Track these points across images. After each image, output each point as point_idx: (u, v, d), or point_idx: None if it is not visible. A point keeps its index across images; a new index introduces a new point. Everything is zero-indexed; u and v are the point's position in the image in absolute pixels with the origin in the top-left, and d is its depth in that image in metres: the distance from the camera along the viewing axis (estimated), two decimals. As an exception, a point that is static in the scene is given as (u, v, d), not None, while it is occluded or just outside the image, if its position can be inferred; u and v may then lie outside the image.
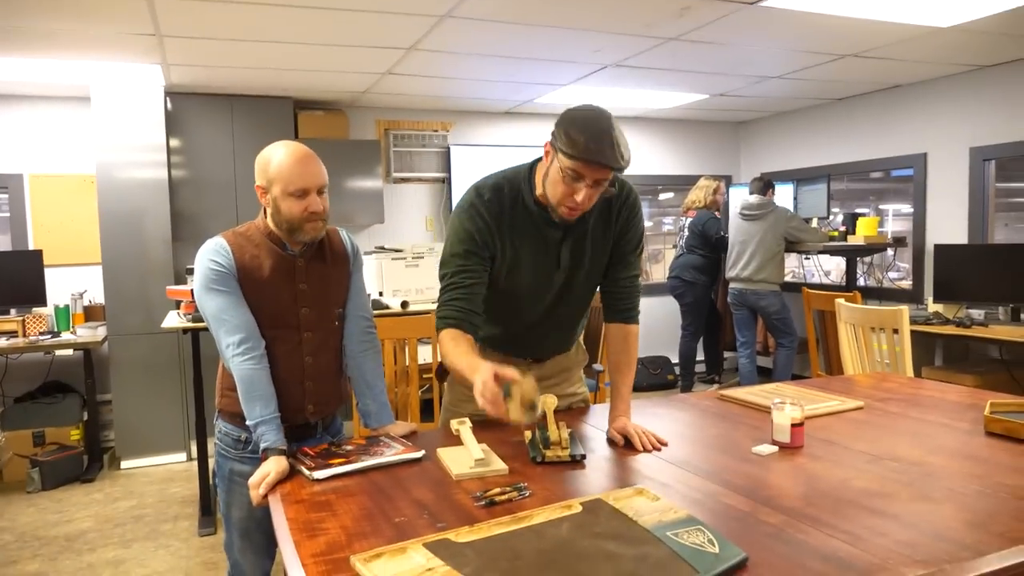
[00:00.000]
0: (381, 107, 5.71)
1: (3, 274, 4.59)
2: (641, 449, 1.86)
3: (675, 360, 6.33)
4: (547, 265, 1.99)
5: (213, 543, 3.43)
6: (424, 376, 3.70)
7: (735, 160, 7.11)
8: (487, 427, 2.09)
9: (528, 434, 1.94)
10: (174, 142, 4.88)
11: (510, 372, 1.66)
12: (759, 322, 5.69)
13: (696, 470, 1.70)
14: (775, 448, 1.84)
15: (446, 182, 5.89)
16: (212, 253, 1.89)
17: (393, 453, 1.83)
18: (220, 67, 4.34)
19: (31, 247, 4.87)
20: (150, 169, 4.66)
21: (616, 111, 6.12)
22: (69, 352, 4.72)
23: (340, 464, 1.74)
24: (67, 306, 4.68)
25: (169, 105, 4.83)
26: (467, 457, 1.75)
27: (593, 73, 4.71)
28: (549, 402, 1.94)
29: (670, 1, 3.29)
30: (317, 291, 1.99)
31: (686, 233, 5.88)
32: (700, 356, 6.27)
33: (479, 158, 5.72)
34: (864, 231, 5.21)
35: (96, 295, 4.85)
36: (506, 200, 1.94)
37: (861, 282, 5.78)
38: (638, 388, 6.31)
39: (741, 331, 5.57)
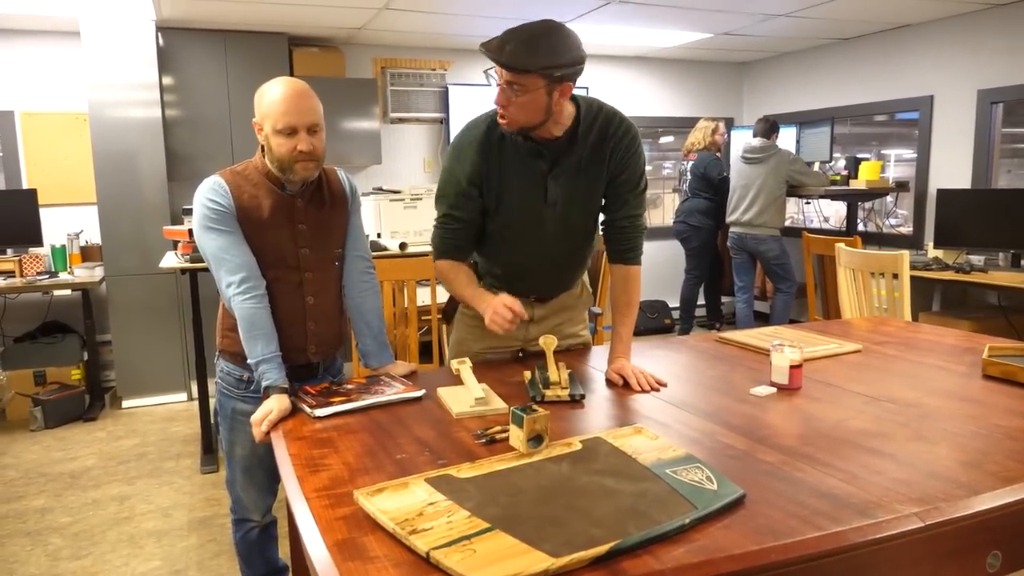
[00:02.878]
0: (378, 44, 5.58)
1: (-2, 214, 4.55)
2: (639, 390, 1.88)
3: (673, 304, 6.34)
4: (534, 199, 1.98)
5: (215, 480, 3.49)
6: (423, 318, 3.71)
7: (738, 102, 7.00)
8: (487, 367, 2.11)
9: (527, 374, 1.95)
10: (167, 80, 4.77)
11: (517, 306, 1.86)
12: (757, 267, 5.68)
13: (694, 410, 1.72)
14: (773, 390, 1.85)
15: (444, 122, 5.80)
16: (210, 192, 1.87)
17: (394, 392, 1.84)
18: (212, 0, 4.21)
19: (25, 186, 4.81)
20: (143, 108, 4.57)
21: (616, 50, 6.06)
22: (67, 292, 4.72)
23: (341, 402, 1.75)
24: (63, 246, 4.65)
25: (161, 41, 4.71)
26: (467, 396, 1.76)
27: (597, 9, 4.59)
28: (548, 342, 1.95)
29: (677, -67, 3.18)
30: (316, 232, 1.97)
31: (688, 177, 5.81)
32: (700, 301, 6.28)
33: (478, 98, 5.61)
34: (866, 175, 5.17)
35: (92, 235, 4.81)
36: (494, 135, 1.96)
37: (861, 228, 5.76)
38: (635, 332, 6.33)
39: (739, 276, 5.57)
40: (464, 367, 1.89)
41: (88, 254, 4.79)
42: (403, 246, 3.93)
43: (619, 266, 2.08)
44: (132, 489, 3.42)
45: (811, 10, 4.67)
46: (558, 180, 1.96)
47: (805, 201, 6.27)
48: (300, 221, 1.95)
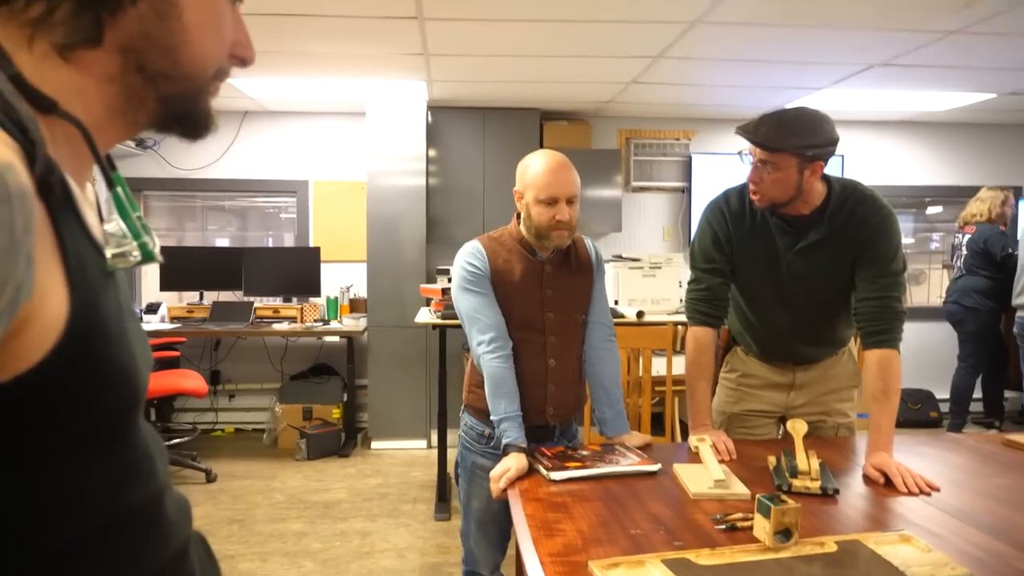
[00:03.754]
0: (623, 116, 5.73)
1: (288, 267, 5.28)
2: (904, 491, 1.66)
3: (941, 396, 5.61)
4: (775, 271, 2.05)
5: (446, 528, 3.65)
6: (657, 388, 3.64)
7: (1026, 169, 6.16)
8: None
9: (772, 460, 1.82)
10: (432, 152, 5.28)
11: (724, 442, 1.93)
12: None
13: (977, 523, 1.48)
14: (1083, 510, 1.55)
15: (686, 191, 5.76)
16: (469, 256, 2.01)
17: (628, 463, 1.81)
18: (476, 82, 4.62)
19: (311, 244, 5.54)
20: (411, 177, 5.09)
21: (878, 115, 5.67)
22: (336, 339, 5.30)
23: (576, 468, 1.76)
24: (336, 298, 5.26)
25: (430, 118, 5.25)
26: (706, 476, 1.68)
27: (856, 74, 4.33)
28: (798, 427, 1.81)
29: (957, -9, 2.93)
30: (562, 297, 2.04)
31: (964, 252, 5.19)
32: (977, 394, 5.49)
33: (721, 167, 5.51)
34: None
35: (360, 289, 5.39)
36: (746, 206, 2.07)
37: None
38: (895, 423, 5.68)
39: (1029, 368, 4.80)
40: (704, 445, 1.81)
41: (356, 306, 5.36)
42: (640, 314, 3.92)
43: (871, 351, 1.94)
44: (374, 526, 3.69)
45: None
46: (800, 256, 2.01)
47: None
48: (548, 286, 2.02)
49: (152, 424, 3.97)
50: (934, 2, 3.05)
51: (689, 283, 2.20)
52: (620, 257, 4.41)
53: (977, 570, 1.25)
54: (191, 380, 4.33)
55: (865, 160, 5.98)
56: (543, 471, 1.75)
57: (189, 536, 0.72)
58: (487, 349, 1.94)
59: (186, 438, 4.76)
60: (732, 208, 2.08)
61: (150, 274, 5.46)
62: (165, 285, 5.19)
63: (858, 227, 1.97)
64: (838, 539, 1.31)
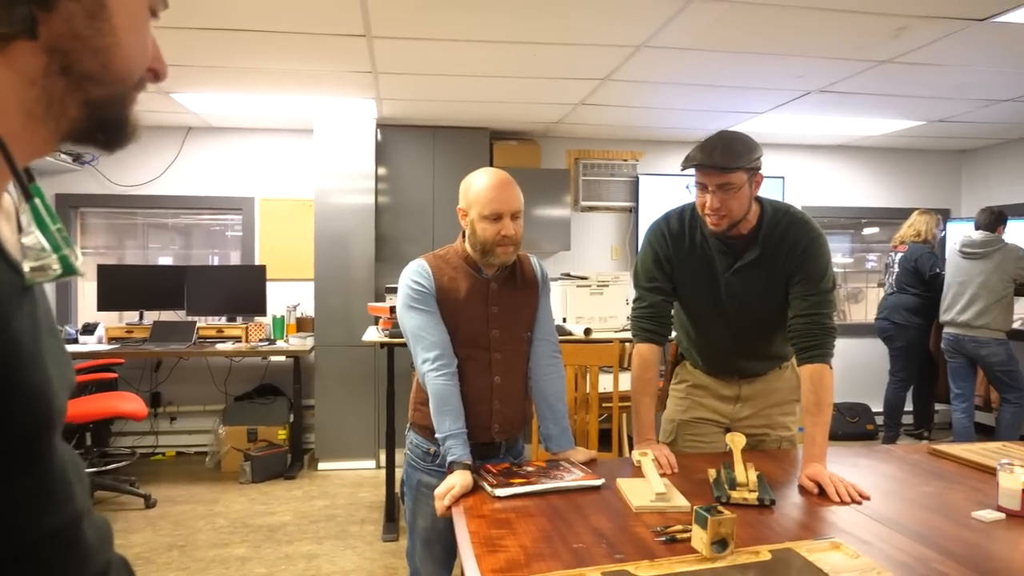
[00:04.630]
0: (572, 137, 5.81)
1: (233, 285, 5.18)
2: (837, 500, 1.72)
3: (876, 408, 5.79)
4: (714, 291, 2.13)
5: (394, 549, 3.61)
6: (604, 404, 3.68)
7: (955, 192, 6.45)
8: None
9: (712, 472, 1.86)
10: (381, 170, 5.27)
11: (667, 456, 1.98)
12: (979, 373, 5.07)
13: (903, 530, 1.54)
14: (1001, 515, 1.62)
15: (633, 211, 5.86)
16: (414, 274, 2.02)
17: (573, 478, 1.83)
18: (426, 100, 4.64)
19: (257, 262, 5.45)
20: (360, 195, 5.07)
21: (817, 140, 5.87)
22: (282, 358, 5.22)
23: (521, 484, 1.77)
24: (283, 317, 5.18)
25: (379, 136, 5.24)
26: (647, 490, 1.71)
27: (794, 100, 4.49)
28: (736, 440, 1.86)
29: (883, 21, 3.07)
30: (507, 314, 2.05)
31: (896, 270, 5.39)
32: (908, 407, 5.69)
33: (668, 188, 5.63)
34: (1118, 275, 4.51)
35: (307, 308, 5.32)
36: (686, 228, 2.15)
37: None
38: (832, 436, 5.82)
39: (956, 382, 4.99)
40: (646, 459, 1.85)
41: (302, 325, 5.29)
42: (588, 332, 3.96)
43: (805, 366, 2.02)
44: (320, 548, 3.63)
45: (1043, 94, 4.26)
46: (737, 276, 2.10)
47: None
48: (493, 303, 2.04)
49: (87, 448, 3.82)
50: (868, 31, 3.19)
51: (633, 301, 2.26)
52: (568, 275, 4.45)
53: (901, 573, 1.30)
54: (129, 403, 4.20)
55: (804, 182, 6.19)
56: (488, 488, 1.76)
57: (110, 560, 0.70)
58: (432, 367, 1.94)
59: (124, 463, 4.61)
60: (672, 230, 2.15)
61: (87, 293, 5.30)
62: (103, 304, 5.04)
63: (790, 248, 2.05)
64: (772, 548, 1.35)
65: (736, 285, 2.10)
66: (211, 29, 3.23)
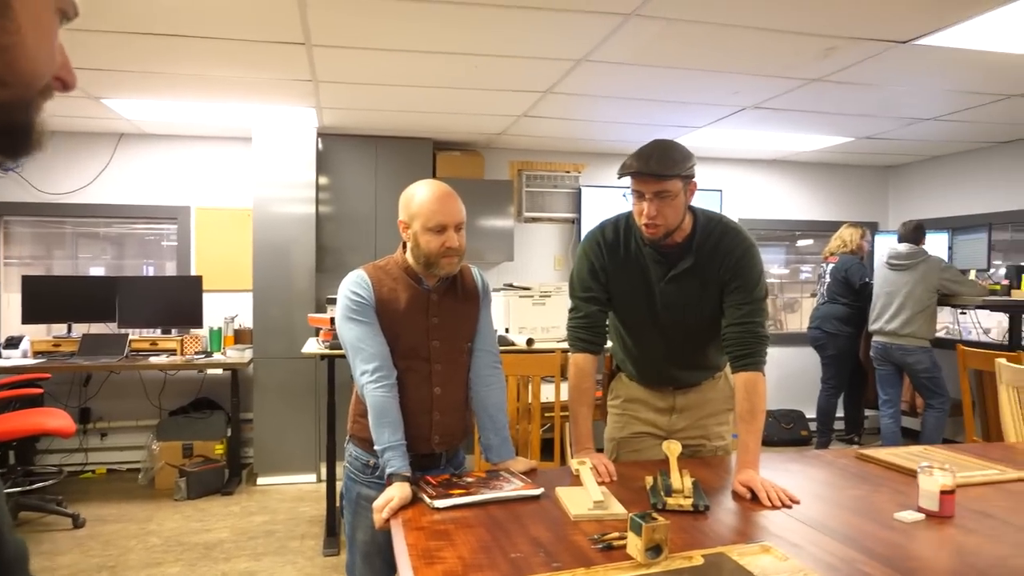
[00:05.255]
0: (515, 148, 5.86)
1: (167, 297, 5.04)
2: (768, 505, 1.77)
3: (810, 415, 5.97)
4: (650, 300, 2.15)
5: (335, 563, 3.55)
6: (546, 414, 3.70)
7: (883, 206, 6.72)
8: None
9: (649, 480, 1.89)
10: (323, 179, 5.21)
11: (605, 464, 1.98)
12: (905, 380, 5.28)
13: (830, 532, 1.59)
14: (921, 516, 1.69)
15: (576, 222, 5.93)
16: (354, 285, 2.00)
17: (512, 488, 1.83)
18: (368, 110, 4.61)
19: (193, 273, 5.31)
20: (300, 205, 5.00)
21: (753, 154, 6.03)
22: (219, 371, 5.09)
23: (460, 495, 1.77)
24: (220, 329, 5.05)
25: (320, 145, 5.18)
26: (586, 498, 1.73)
27: (731, 115, 4.62)
28: (672, 448, 1.90)
29: (813, 42, 3.19)
30: (448, 325, 2.05)
31: (827, 280, 5.59)
32: (840, 413, 5.89)
33: (610, 199, 5.72)
34: (1031, 286, 4.76)
35: (246, 320, 5.21)
36: (621, 237, 2.16)
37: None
38: (768, 442, 6.00)
39: (884, 389, 5.19)
40: (584, 468, 1.86)
41: (241, 337, 5.17)
42: (530, 342, 3.98)
43: (739, 374, 2.05)
44: (258, 565, 3.54)
45: (963, 113, 4.48)
46: (671, 284, 2.12)
47: (960, 311, 5.82)
48: (434, 314, 2.03)
49: (10, 467, 3.65)
50: (799, 50, 3.31)
51: (569, 311, 2.26)
52: (511, 286, 4.48)
53: (828, 575, 1.34)
54: (55, 419, 4.03)
55: (741, 195, 6.36)
56: (427, 499, 1.75)
57: None
58: (370, 379, 1.92)
59: (50, 481, 4.42)
60: (608, 239, 2.17)
61: (11, 305, 5.08)
62: (28, 317, 4.84)
63: (724, 256, 2.08)
64: (705, 552, 1.38)
65: (671, 294, 2.12)
66: (145, 34, 3.15)
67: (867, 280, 5.36)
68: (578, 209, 5.87)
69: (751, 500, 1.81)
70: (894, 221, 6.49)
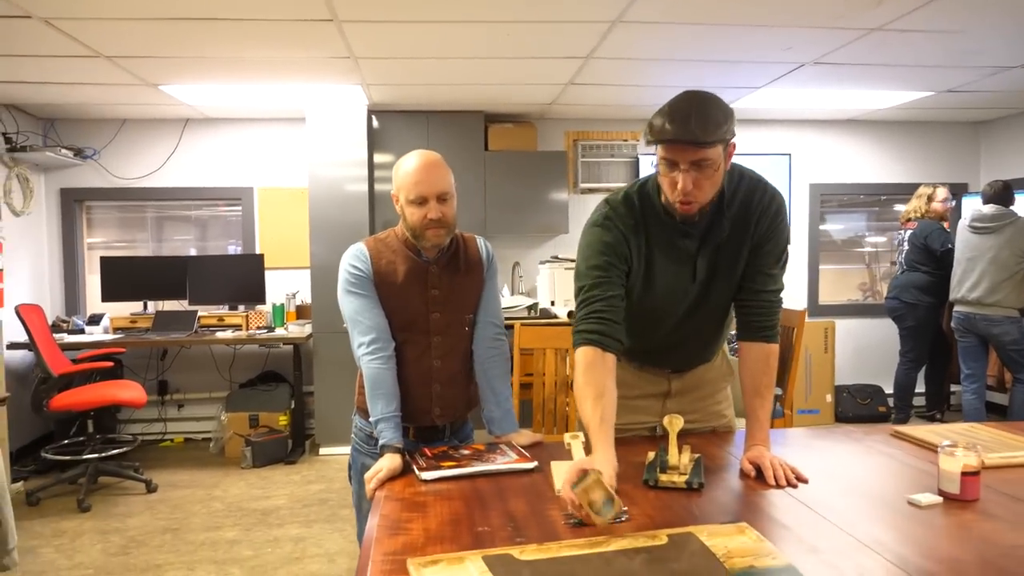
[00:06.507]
0: (569, 118, 5.74)
1: (233, 275, 5.24)
2: (773, 484, 1.67)
3: (888, 390, 5.65)
4: (682, 277, 1.87)
5: (383, 533, 3.62)
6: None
7: (974, 166, 6.23)
8: (617, 444, 1.99)
9: (651, 455, 1.82)
10: (378, 157, 5.25)
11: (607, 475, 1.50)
12: (992, 353, 4.91)
13: (830, 514, 1.49)
14: (939, 499, 1.55)
15: (635, 192, 5.77)
16: (352, 258, 2.01)
17: (505, 462, 1.80)
18: (414, 85, 4.61)
19: (257, 251, 5.49)
20: (354, 183, 5.06)
21: (823, 114, 5.71)
22: (285, 346, 5.26)
23: (450, 467, 1.75)
24: (282, 305, 5.22)
25: (375, 123, 5.23)
26: (574, 473, 1.67)
27: (789, 73, 4.36)
28: (674, 423, 1.80)
29: (864, -12, 2.96)
30: (449, 297, 2.03)
31: (906, 247, 5.24)
32: (920, 388, 5.55)
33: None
34: None
35: (306, 296, 5.35)
36: (638, 212, 1.84)
37: None
38: (844, 418, 5.73)
39: (967, 362, 4.84)
40: (576, 442, 1.80)
41: (302, 312, 5.33)
42: (571, 314, 3.92)
43: (756, 344, 1.88)
44: (308, 532, 3.66)
45: (1052, 59, 4.08)
46: (706, 257, 1.85)
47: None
48: (433, 286, 2.01)
49: (88, 435, 3.89)
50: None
51: (577, 298, 1.88)
52: (556, 258, 4.41)
53: (807, 560, 1.25)
54: (128, 391, 4.28)
55: (812, 159, 6.03)
56: (416, 471, 1.75)
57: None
58: (367, 351, 1.93)
59: (125, 448, 4.69)
60: (624, 218, 1.84)
61: (94, 286, 5.40)
62: (107, 295, 5.14)
63: (757, 217, 1.83)
64: (671, 531, 1.31)
65: (704, 269, 1.85)
66: (182, 19, 3.23)
67: (949, 246, 4.99)
68: (636, 177, 5.71)
69: (756, 478, 1.71)
70: (986, 181, 6.01)
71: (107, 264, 5.16)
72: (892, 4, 3.14)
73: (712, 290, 1.89)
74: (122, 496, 4.25)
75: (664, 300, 1.90)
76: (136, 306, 5.28)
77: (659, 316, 1.94)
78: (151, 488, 4.31)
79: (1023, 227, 4.53)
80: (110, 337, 4.89)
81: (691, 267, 1.85)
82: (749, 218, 1.83)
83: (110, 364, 4.46)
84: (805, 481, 1.69)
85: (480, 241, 2.14)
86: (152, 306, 5.27)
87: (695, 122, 1.61)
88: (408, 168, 1.92)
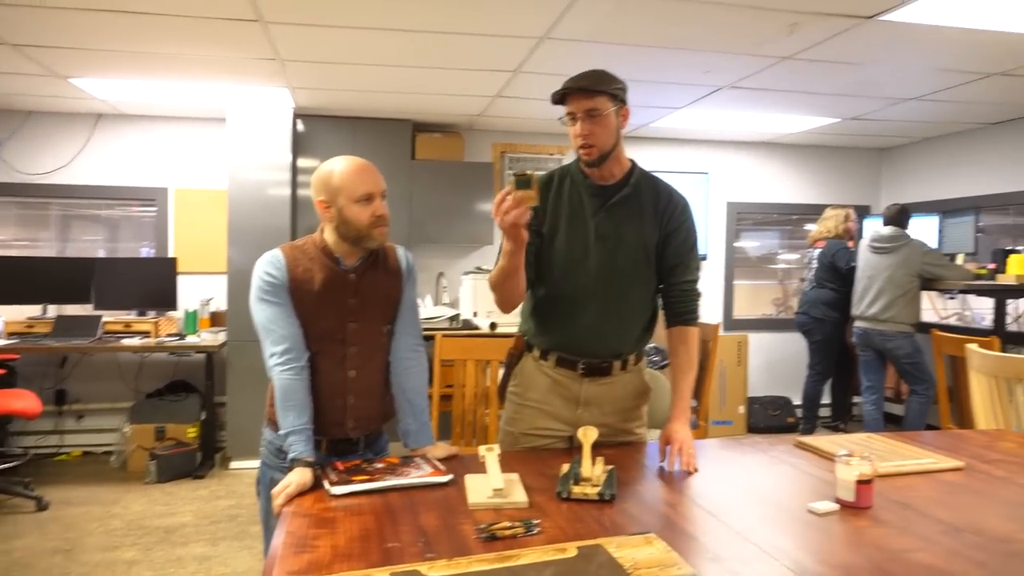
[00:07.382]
0: (498, 130, 5.77)
1: (143, 278, 5.01)
2: (661, 461, 1.91)
3: (797, 402, 5.89)
4: (583, 231, 2.07)
5: (295, 548, 3.52)
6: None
7: (875, 189, 6.58)
8: (533, 456, 2.00)
9: (565, 467, 1.83)
10: (302, 162, 5.14)
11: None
12: (888, 366, 5.18)
13: (735, 523, 1.53)
14: (836, 507, 1.62)
15: (558, 206, 5.84)
16: (267, 265, 1.96)
17: (420, 475, 1.78)
18: (343, 90, 4.54)
19: (171, 255, 5.28)
20: (276, 187, 4.94)
21: (739, 136, 5.92)
22: (196, 354, 5.06)
23: (362, 481, 1.72)
24: (195, 311, 5.03)
25: (300, 127, 5.12)
26: (488, 486, 1.67)
27: (707, 95, 4.51)
28: (588, 435, 1.83)
29: (776, 16, 3.08)
30: (367, 306, 1.99)
31: (814, 265, 5.49)
32: (827, 399, 5.80)
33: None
34: (1016, 269, 4.64)
35: (221, 302, 5.17)
36: (555, 178, 2.14)
37: (1015, 327, 5.13)
38: (755, 429, 5.93)
39: (867, 375, 5.09)
40: (491, 455, 1.80)
41: (216, 320, 5.14)
42: (493, 326, 3.93)
43: (679, 328, 2.12)
44: (214, 551, 3.52)
45: (943, 93, 4.35)
46: (608, 219, 2.07)
47: (949, 296, 5.69)
48: (351, 295, 1.97)
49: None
50: (762, 26, 3.20)
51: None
52: (479, 269, 4.41)
53: (713, 567, 1.28)
54: (20, 400, 4.02)
55: (729, 178, 6.25)
56: (326, 485, 1.70)
57: None
58: (279, 361, 1.87)
59: (14, 463, 4.40)
60: (545, 179, 2.13)
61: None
62: (1, 298, 4.83)
63: (665, 203, 2.09)
64: (581, 544, 1.32)
65: (605, 225, 2.06)
66: (94, 10, 3.08)
67: (853, 265, 5.25)
68: (560, 192, 5.78)
69: (660, 463, 1.90)
70: (886, 204, 6.35)
71: (2, 264, 4.86)
72: (804, 34, 3.30)
73: (615, 254, 2.06)
74: (9, 515, 3.98)
75: (568, 256, 2.06)
76: (35, 310, 4.99)
77: (566, 274, 2.07)
78: (42, 506, 4.05)
79: (917, 248, 4.81)
80: (3, 342, 4.59)
81: (590, 225, 2.06)
82: (659, 199, 2.09)
83: (1, 371, 4.19)
84: (695, 470, 1.87)
85: (400, 251, 2.12)
86: (53, 310, 4.99)
87: (585, 77, 2.00)
88: (346, 168, 1.91)
